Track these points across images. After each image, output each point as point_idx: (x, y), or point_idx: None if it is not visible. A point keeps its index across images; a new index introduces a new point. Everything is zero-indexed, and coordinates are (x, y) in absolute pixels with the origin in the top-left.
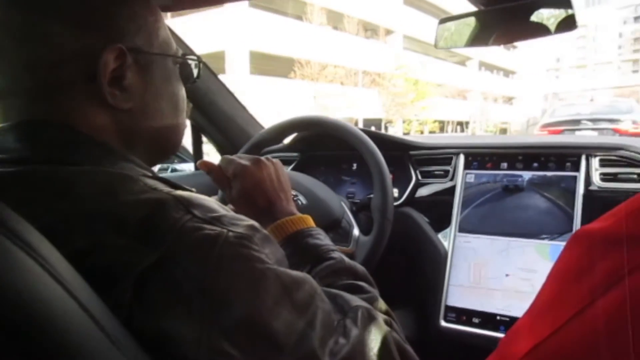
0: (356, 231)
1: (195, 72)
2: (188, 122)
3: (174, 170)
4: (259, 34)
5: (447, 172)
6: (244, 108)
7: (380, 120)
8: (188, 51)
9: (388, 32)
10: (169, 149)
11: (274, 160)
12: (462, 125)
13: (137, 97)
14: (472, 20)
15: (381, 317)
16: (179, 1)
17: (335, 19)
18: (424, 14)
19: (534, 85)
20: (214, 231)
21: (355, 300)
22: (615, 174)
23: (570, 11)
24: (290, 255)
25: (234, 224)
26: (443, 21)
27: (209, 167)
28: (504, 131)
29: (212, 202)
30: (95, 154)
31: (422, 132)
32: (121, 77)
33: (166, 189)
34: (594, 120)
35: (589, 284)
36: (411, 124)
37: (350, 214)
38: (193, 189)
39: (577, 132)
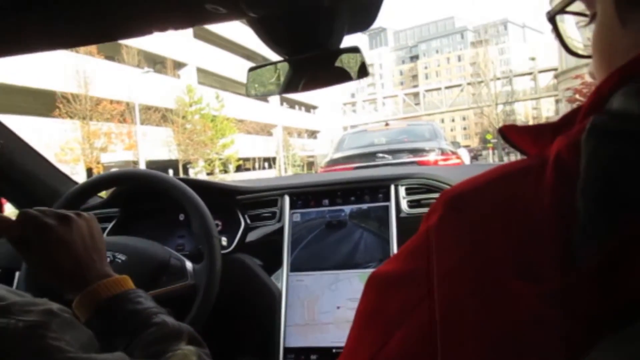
0: (189, 263)
1: None
2: None
3: None
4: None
5: (274, 213)
6: (48, 163)
7: (177, 162)
8: None
9: (179, 65)
10: None
11: (87, 215)
12: (270, 161)
13: None
14: (281, 67)
15: None
16: None
17: (109, 49)
18: (217, 48)
19: (334, 119)
20: None
21: None
22: (419, 201)
23: (361, 60)
24: (105, 328)
25: (26, 312)
26: (253, 69)
27: (3, 225)
28: (310, 164)
29: None
30: None
31: (225, 172)
32: None
33: None
34: (392, 152)
35: (382, 325)
36: (213, 163)
37: (177, 253)
38: None
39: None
